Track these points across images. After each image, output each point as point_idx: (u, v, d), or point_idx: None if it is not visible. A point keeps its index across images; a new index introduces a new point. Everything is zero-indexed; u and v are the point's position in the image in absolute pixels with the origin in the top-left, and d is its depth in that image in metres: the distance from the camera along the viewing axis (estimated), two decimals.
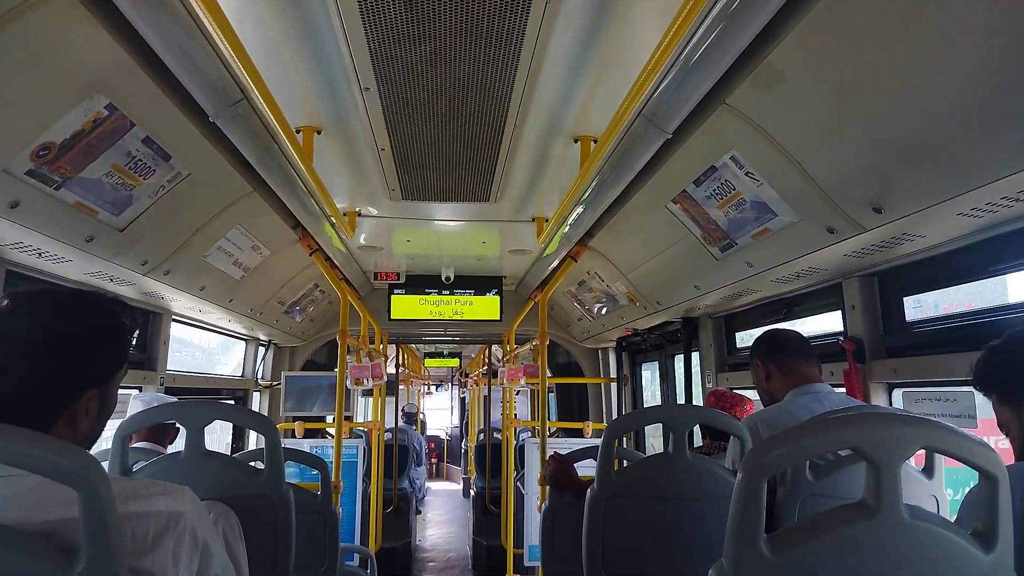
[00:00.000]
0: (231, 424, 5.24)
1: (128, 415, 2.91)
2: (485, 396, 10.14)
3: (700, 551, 2.12)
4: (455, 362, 15.04)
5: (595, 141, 2.82)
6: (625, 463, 2.99)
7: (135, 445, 2.79)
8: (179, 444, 2.95)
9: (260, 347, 6.10)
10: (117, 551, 1.05)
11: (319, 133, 2.79)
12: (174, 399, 3.25)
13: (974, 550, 1.16)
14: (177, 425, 2.85)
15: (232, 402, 5.64)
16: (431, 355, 14.41)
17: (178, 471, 1.92)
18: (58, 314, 1.25)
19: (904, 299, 2.84)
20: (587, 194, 3.08)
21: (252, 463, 2.38)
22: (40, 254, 2.57)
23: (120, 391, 1.41)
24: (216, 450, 2.11)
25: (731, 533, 1.19)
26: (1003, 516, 1.18)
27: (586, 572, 2.20)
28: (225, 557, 1.38)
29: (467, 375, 15.24)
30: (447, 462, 17.49)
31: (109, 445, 1.99)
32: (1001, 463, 1.18)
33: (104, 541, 1.03)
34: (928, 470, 2.03)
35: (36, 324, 1.22)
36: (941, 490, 2.04)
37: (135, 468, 1.98)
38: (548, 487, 2.93)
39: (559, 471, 2.83)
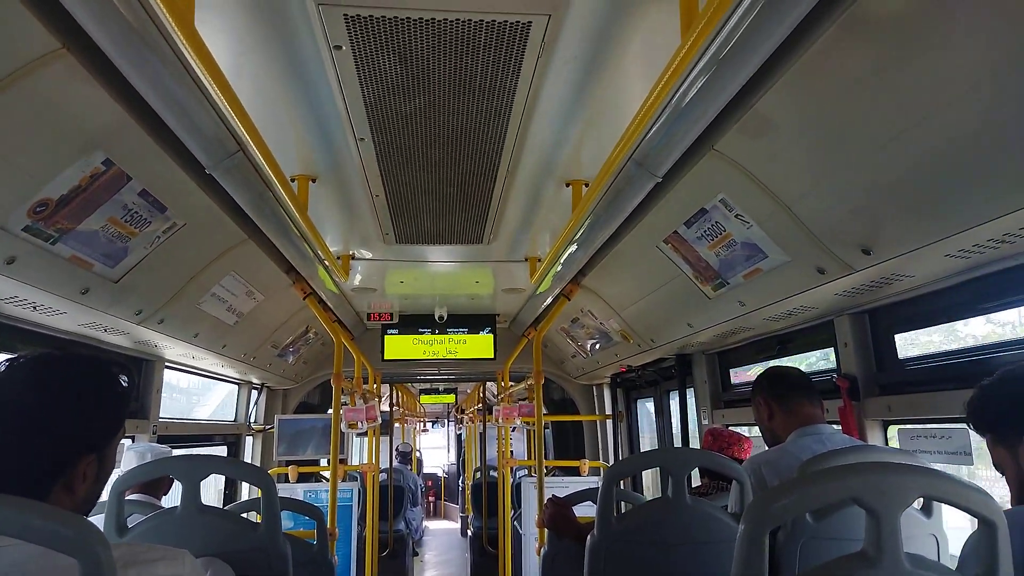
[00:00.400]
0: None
1: (122, 466, 2.89)
2: (481, 433, 10.06)
3: None
4: (451, 398, 14.92)
5: (587, 185, 2.86)
6: (623, 504, 2.97)
7: (129, 498, 2.74)
8: (173, 494, 2.93)
9: (253, 390, 6.06)
10: None
11: (314, 181, 2.82)
12: (168, 448, 3.22)
13: None
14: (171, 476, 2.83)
15: (225, 448, 5.58)
16: (427, 391, 14.32)
17: (174, 527, 1.91)
18: (56, 380, 1.25)
19: (896, 336, 2.87)
20: (579, 235, 3.11)
21: (247, 513, 2.36)
22: (35, 307, 2.57)
23: None
24: (210, 495, 2.10)
25: None
26: (1003, 562, 1.18)
27: None
28: None
29: (463, 411, 15.13)
30: (445, 500, 17.28)
31: (104, 497, 1.97)
32: (999, 510, 1.20)
33: None
34: (927, 509, 2.03)
35: (34, 390, 1.21)
36: (941, 529, 2.04)
37: (130, 522, 1.96)
38: (546, 530, 2.91)
39: (557, 515, 2.81)
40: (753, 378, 3.25)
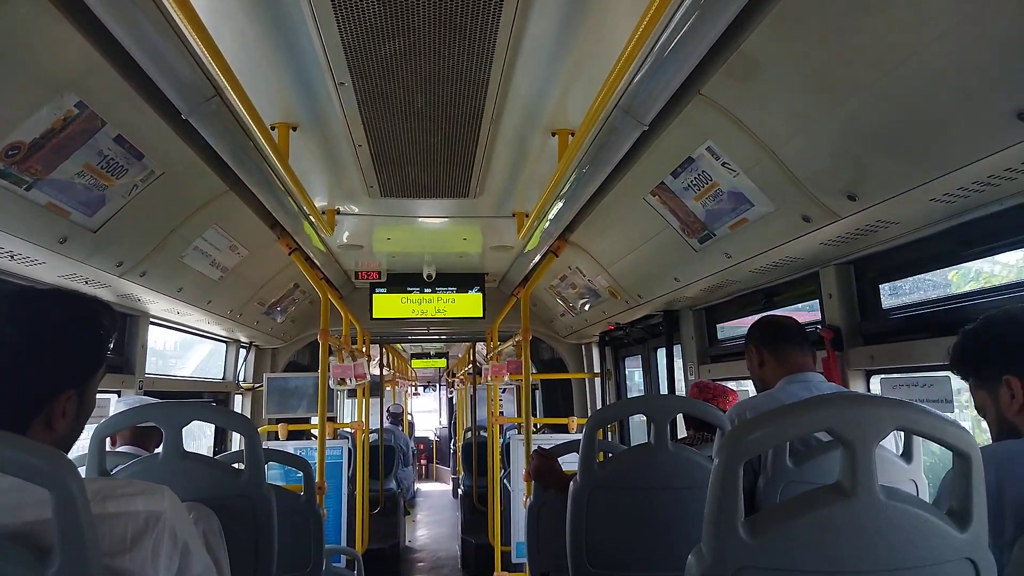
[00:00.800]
0: (213, 427, 5.21)
1: None
2: (472, 395, 10.14)
3: (683, 540, 2.13)
4: (442, 362, 14.98)
5: (572, 134, 2.82)
6: (607, 456, 2.99)
7: (118, 449, 2.74)
8: None
9: (241, 349, 6.05)
10: (91, 551, 1.04)
11: (294, 130, 2.76)
12: (158, 401, 3.21)
13: (949, 529, 1.18)
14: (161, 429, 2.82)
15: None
16: (418, 356, 14.35)
17: (157, 472, 1.91)
18: (36, 314, 1.24)
19: (880, 286, 2.87)
20: (566, 188, 3.08)
21: (233, 464, 2.37)
22: (12, 256, 2.53)
23: (99, 396, 1.40)
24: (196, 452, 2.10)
25: (709, 518, 1.19)
26: (977, 495, 1.19)
27: (570, 565, 2.20)
28: (206, 558, 1.36)
29: (454, 375, 15.21)
30: (436, 463, 17.45)
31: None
32: (974, 443, 1.20)
33: (78, 541, 1.02)
34: (907, 454, 2.05)
35: (13, 323, 1.21)
36: (920, 474, 2.06)
37: (115, 471, 1.96)
38: (532, 482, 2.94)
39: (542, 466, 2.82)
40: (740, 332, 3.25)
